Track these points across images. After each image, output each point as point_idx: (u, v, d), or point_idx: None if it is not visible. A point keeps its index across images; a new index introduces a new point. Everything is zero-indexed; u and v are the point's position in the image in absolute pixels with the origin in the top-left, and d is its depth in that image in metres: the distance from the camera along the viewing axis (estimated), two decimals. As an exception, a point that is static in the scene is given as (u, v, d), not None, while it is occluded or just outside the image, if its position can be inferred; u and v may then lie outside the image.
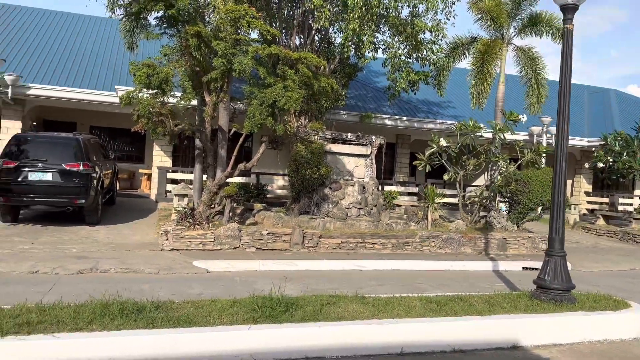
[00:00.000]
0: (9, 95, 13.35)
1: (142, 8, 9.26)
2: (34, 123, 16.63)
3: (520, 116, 13.55)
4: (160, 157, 16.60)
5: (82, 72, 16.35)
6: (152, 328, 4.64)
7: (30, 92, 14.41)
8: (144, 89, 9.44)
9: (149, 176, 17.37)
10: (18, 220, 11.23)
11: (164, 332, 4.58)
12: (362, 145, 13.30)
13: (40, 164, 10.57)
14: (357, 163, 13.33)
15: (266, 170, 16.90)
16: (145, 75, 8.93)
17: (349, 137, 13.24)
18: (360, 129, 16.41)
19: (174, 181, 16.12)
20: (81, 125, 18.04)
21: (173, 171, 16.38)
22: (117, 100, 14.82)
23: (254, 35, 12.21)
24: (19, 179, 10.45)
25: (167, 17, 9.51)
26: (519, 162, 14.06)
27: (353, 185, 12.98)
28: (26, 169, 10.51)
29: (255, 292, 6.77)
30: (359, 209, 12.84)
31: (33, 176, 10.51)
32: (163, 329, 4.63)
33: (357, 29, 11.76)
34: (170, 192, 15.06)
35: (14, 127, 14.57)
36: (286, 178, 17.81)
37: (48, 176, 10.58)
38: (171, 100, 11.12)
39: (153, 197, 16.34)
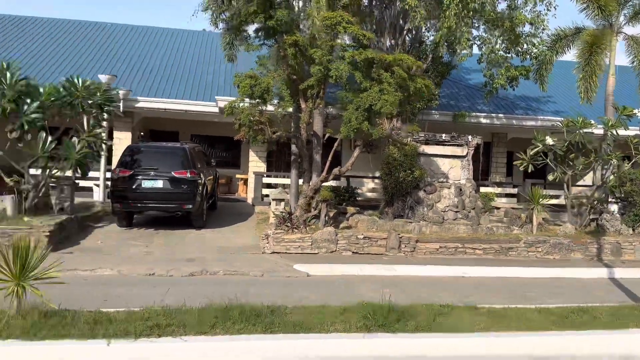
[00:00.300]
0: (121, 108, 14.46)
1: (243, 21, 9.64)
2: (142, 133, 17.92)
3: (635, 110, 12.39)
4: (255, 163, 17.19)
5: (183, 84, 17.37)
6: (270, 333, 4.77)
7: (139, 104, 15.54)
8: (246, 99, 9.80)
9: (245, 181, 18.05)
10: (132, 225, 12.12)
11: (283, 337, 4.70)
12: (458, 145, 12.88)
13: (152, 172, 11.32)
14: (452, 164, 12.94)
15: (355, 173, 16.89)
16: (248, 86, 9.28)
17: (443, 137, 12.88)
18: (453, 128, 15.91)
19: (269, 185, 16.61)
20: (183, 134, 19.17)
21: (267, 176, 16.86)
22: (216, 109, 15.62)
23: (346, 39, 12.27)
24: (134, 187, 11.27)
25: (266, 28, 9.83)
26: (634, 159, 12.87)
27: (449, 188, 12.60)
28: (139, 177, 11.30)
29: (359, 298, 6.75)
30: (456, 212, 12.44)
31: (146, 184, 11.28)
32: (281, 334, 4.75)
33: (453, 26, 11.41)
34: (267, 196, 15.53)
35: (125, 138, 15.77)
36: (376, 180, 17.70)
37: (159, 183, 11.32)
38: (269, 108, 11.45)
39: (249, 200, 16.93)
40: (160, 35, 21.99)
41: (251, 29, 11.55)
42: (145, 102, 15.59)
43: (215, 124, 18.07)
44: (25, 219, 9.89)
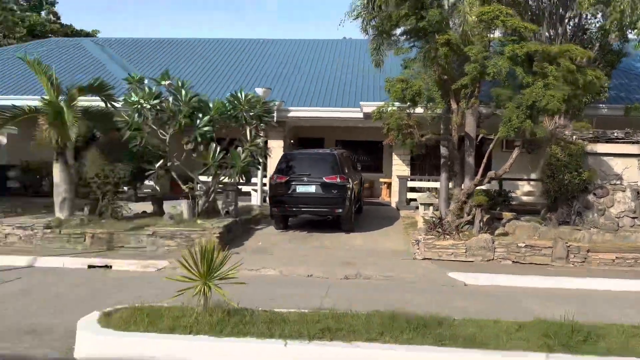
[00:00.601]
0: (275, 118, 15.36)
1: (393, 25, 9.61)
2: (292, 141, 18.87)
3: None
4: (399, 167, 17.04)
5: (329, 92, 17.92)
6: (441, 345, 4.60)
7: (290, 114, 16.41)
8: (396, 103, 9.73)
9: (389, 185, 18.00)
10: (288, 228, 12.79)
11: (455, 351, 4.49)
12: (633, 143, 11.36)
13: (305, 178, 11.84)
14: (626, 164, 11.45)
15: (508, 175, 15.82)
16: (400, 90, 9.23)
17: (615, 134, 11.46)
18: (624, 123, 14.04)
19: (412, 189, 16.36)
20: (328, 140, 19.79)
21: (411, 179, 16.63)
22: (360, 115, 15.82)
23: (498, 34, 11.56)
24: (289, 192, 11.88)
25: (416, 30, 9.67)
26: None
27: (623, 191, 11.17)
28: (294, 182, 11.88)
29: (526, 312, 6.28)
30: (633, 218, 10.99)
31: (300, 189, 11.82)
32: (453, 347, 4.55)
33: (628, 10, 10.09)
34: (412, 200, 15.30)
35: (278, 146, 16.70)
36: (532, 183, 16.40)
37: (312, 188, 11.79)
38: (417, 110, 11.24)
39: (393, 205, 16.84)
40: (305, 47, 23.01)
41: (398, 32, 11.45)
42: (295, 112, 16.41)
43: (358, 129, 18.35)
44: (199, 221, 10.97)
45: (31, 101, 12.37)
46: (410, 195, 16.12)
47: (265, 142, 16.37)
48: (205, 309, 5.26)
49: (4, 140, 17.37)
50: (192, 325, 4.97)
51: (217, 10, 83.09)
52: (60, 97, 10.84)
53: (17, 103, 11.80)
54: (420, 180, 16.59)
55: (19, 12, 34.13)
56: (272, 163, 14.64)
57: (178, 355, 4.76)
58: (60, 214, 10.89)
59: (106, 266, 9.16)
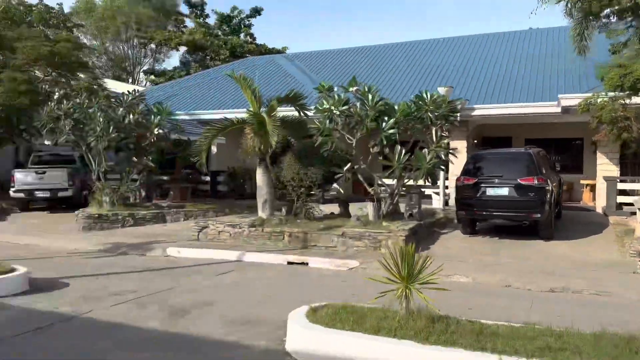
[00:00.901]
0: (458, 118, 14.75)
1: (604, 5, 8.40)
2: (475, 141, 17.98)
3: None
4: (605, 166, 14.98)
5: (517, 87, 16.64)
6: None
7: (474, 113, 15.63)
8: (609, 93, 8.49)
9: (592, 187, 15.96)
10: (475, 233, 12.11)
11: None
12: None
13: (496, 180, 11.07)
14: None
15: None
16: (617, 77, 8.03)
17: None
18: None
19: (623, 192, 14.21)
20: (516, 138, 18.39)
21: (622, 181, 14.45)
22: (557, 110, 14.31)
23: None
24: (478, 195, 11.22)
25: (634, 7, 8.31)
26: None
27: None
28: (483, 184, 11.19)
29: None
30: None
31: (490, 191, 11.09)
32: None
33: None
34: (625, 204, 13.30)
35: (461, 147, 16.01)
36: None
37: (504, 191, 10.96)
38: (634, 100, 9.68)
39: (599, 209, 14.88)
40: (485, 41, 21.85)
41: (607, 12, 10.01)
42: (480, 110, 15.61)
43: (550, 126, 16.74)
44: (384, 223, 11.03)
45: (231, 114, 14.01)
46: (620, 199, 14.04)
47: (448, 144, 15.88)
48: (407, 313, 5.16)
49: (215, 149, 19.93)
50: (396, 329, 4.90)
51: (395, 16, 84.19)
52: (261, 109, 11.95)
53: (216, 117, 13.40)
54: (634, 181, 14.32)
55: (222, 36, 39.14)
56: (457, 165, 14.12)
57: (381, 357, 4.73)
58: (262, 214, 11.99)
59: (303, 263, 9.75)
